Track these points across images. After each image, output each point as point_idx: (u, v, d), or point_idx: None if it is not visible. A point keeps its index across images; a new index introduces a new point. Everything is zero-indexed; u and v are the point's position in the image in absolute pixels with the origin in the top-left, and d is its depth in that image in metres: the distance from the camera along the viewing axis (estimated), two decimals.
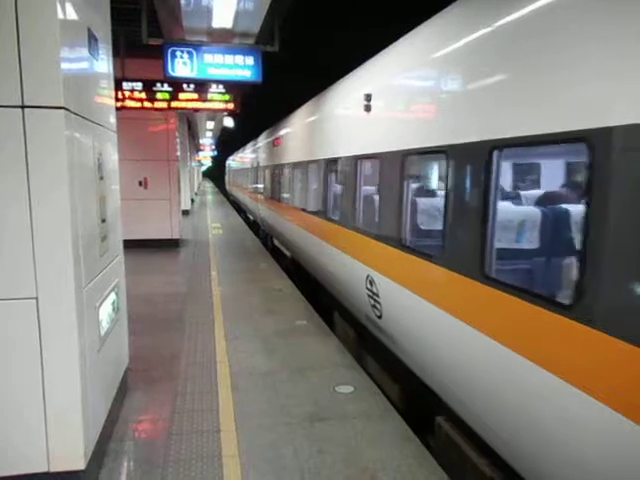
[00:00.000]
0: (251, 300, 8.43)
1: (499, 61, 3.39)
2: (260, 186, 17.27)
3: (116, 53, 5.36)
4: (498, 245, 3.45)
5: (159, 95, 10.33)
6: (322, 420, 4.49)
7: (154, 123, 13.26)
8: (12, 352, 3.14)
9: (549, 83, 2.86)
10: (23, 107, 2.98)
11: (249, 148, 23.82)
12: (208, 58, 7.44)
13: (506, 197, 4.01)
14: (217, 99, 10.67)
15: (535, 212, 3.86)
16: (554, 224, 3.70)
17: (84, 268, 3.35)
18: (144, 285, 9.33)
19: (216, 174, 72.69)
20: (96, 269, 3.75)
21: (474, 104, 3.65)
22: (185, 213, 20.35)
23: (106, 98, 4.37)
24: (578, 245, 2.74)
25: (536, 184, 4.68)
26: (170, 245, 13.68)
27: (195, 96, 10.51)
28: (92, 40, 3.77)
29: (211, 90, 10.60)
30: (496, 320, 3.33)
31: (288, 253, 12.44)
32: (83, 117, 3.46)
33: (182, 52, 7.31)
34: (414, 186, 5.03)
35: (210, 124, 25.23)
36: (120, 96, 10.05)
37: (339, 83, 7.92)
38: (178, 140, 14.38)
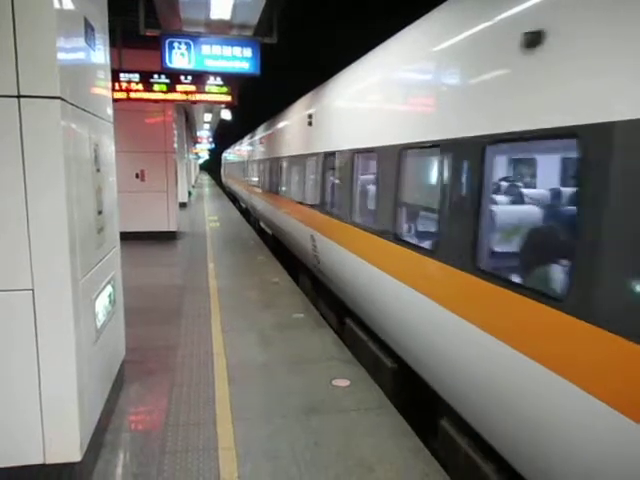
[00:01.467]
0: (248, 293, 8.43)
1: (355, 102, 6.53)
2: (248, 177, 20.83)
3: (113, 44, 5.32)
4: (358, 204, 6.26)
5: (156, 87, 10.25)
6: (318, 413, 4.50)
7: (151, 115, 13.19)
8: (7, 344, 3.13)
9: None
10: (19, 97, 2.95)
11: (237, 146, 29.74)
12: (206, 49, 7.39)
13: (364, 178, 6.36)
14: (215, 91, 10.62)
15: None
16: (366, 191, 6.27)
17: (80, 260, 3.33)
18: (141, 277, 9.31)
19: (213, 167, 72.44)
20: (92, 261, 3.73)
21: (353, 128, 6.47)
22: (182, 206, 20.30)
23: (103, 89, 4.33)
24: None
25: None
26: (167, 237, 13.66)
27: (193, 88, 10.45)
28: (88, 30, 3.74)
29: (209, 82, 10.54)
30: (359, 245, 5.93)
31: (270, 231, 15.38)
32: (79, 107, 3.43)
33: (180, 43, 7.27)
34: (330, 174, 7.49)
35: (208, 116, 25.14)
36: (117, 87, 9.99)
37: (292, 106, 11.39)
38: (175, 132, 14.32)
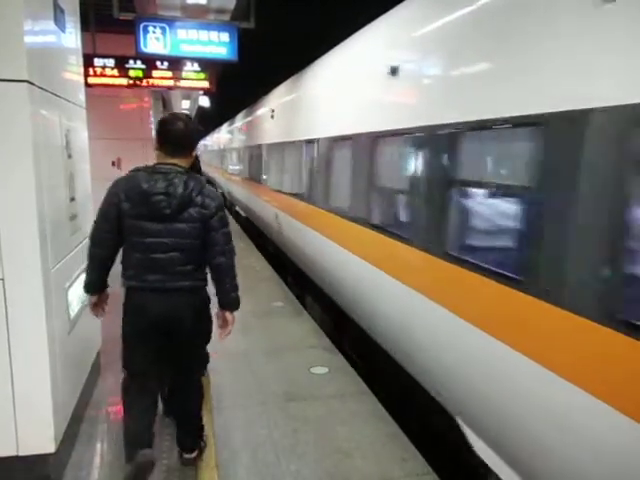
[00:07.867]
0: None
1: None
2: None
3: (87, 28, 5.18)
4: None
5: (132, 72, 10.03)
6: (297, 400, 4.50)
7: (127, 101, 12.89)
8: None
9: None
10: None
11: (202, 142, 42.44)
12: (182, 34, 7.23)
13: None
14: (192, 77, 10.45)
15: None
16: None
17: (51, 248, 3.25)
18: (118, 266, 9.14)
19: None
20: (65, 249, 3.66)
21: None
22: None
23: (74, 73, 4.22)
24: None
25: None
26: None
27: (169, 74, 10.25)
28: (58, 11, 3.63)
29: (186, 68, 10.37)
30: (282, 206, 9.39)
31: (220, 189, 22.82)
32: (49, 91, 3.33)
33: (155, 27, 7.08)
34: (282, 159, 9.41)
35: (186, 103, 24.76)
36: (92, 72, 9.76)
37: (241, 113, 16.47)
38: (153, 119, 14.07)
